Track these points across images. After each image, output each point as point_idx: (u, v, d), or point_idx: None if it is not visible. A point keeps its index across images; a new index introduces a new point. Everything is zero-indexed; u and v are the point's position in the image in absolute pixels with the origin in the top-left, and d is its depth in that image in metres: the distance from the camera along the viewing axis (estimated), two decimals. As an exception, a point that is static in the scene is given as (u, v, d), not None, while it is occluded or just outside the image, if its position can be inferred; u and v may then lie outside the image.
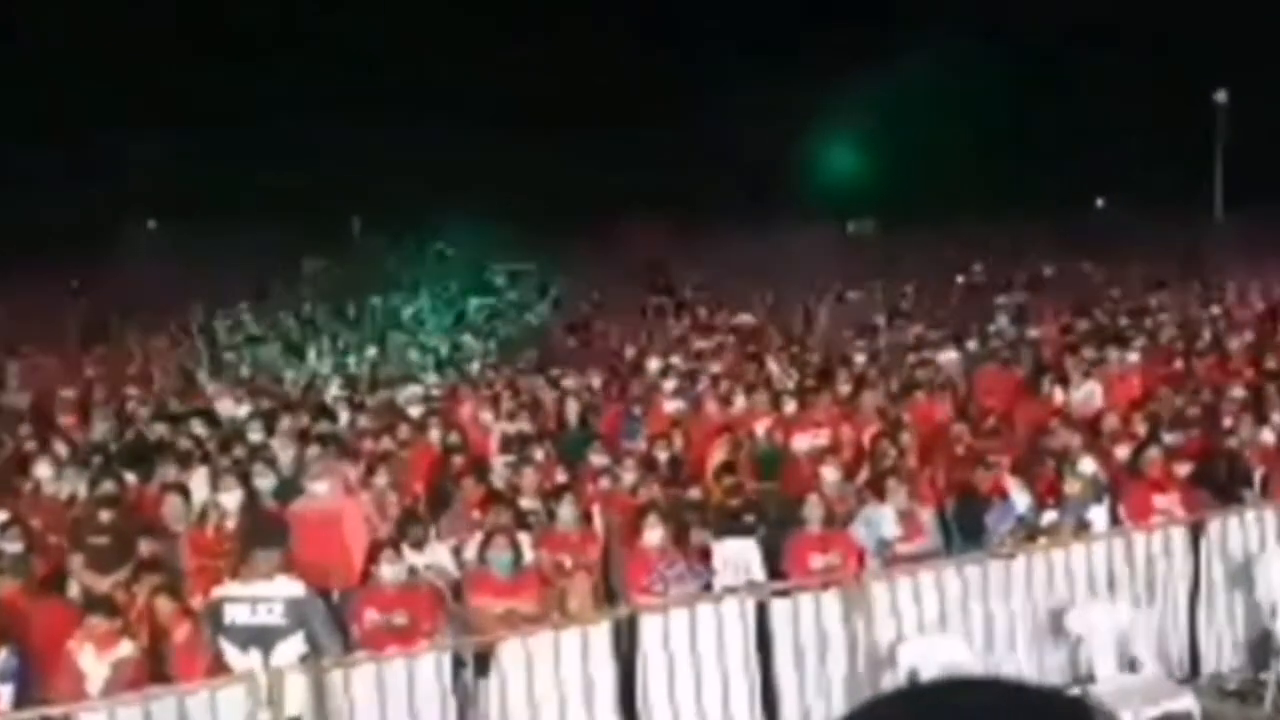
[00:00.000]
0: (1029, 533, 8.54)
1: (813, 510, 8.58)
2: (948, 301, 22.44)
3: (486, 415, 12.85)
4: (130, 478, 10.04)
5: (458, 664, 6.83)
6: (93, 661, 6.90)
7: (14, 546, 8.24)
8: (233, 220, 34.45)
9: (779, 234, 36.41)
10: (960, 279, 25.99)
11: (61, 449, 10.98)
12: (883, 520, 8.88)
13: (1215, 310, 18.24)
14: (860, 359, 15.25)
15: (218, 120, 35.86)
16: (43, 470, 10.10)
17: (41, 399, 15.52)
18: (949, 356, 14.66)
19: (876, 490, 9.23)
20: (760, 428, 11.61)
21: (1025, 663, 7.61)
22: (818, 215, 38.30)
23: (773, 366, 14.79)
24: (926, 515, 9.12)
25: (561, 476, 10.33)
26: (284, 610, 6.37)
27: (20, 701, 6.77)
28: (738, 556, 8.82)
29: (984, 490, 9.13)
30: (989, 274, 26.44)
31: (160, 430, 11.96)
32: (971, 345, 15.82)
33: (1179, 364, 13.58)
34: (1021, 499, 9.02)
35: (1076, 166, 36.20)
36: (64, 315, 26.13)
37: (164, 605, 7.20)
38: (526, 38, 40.42)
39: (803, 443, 11.03)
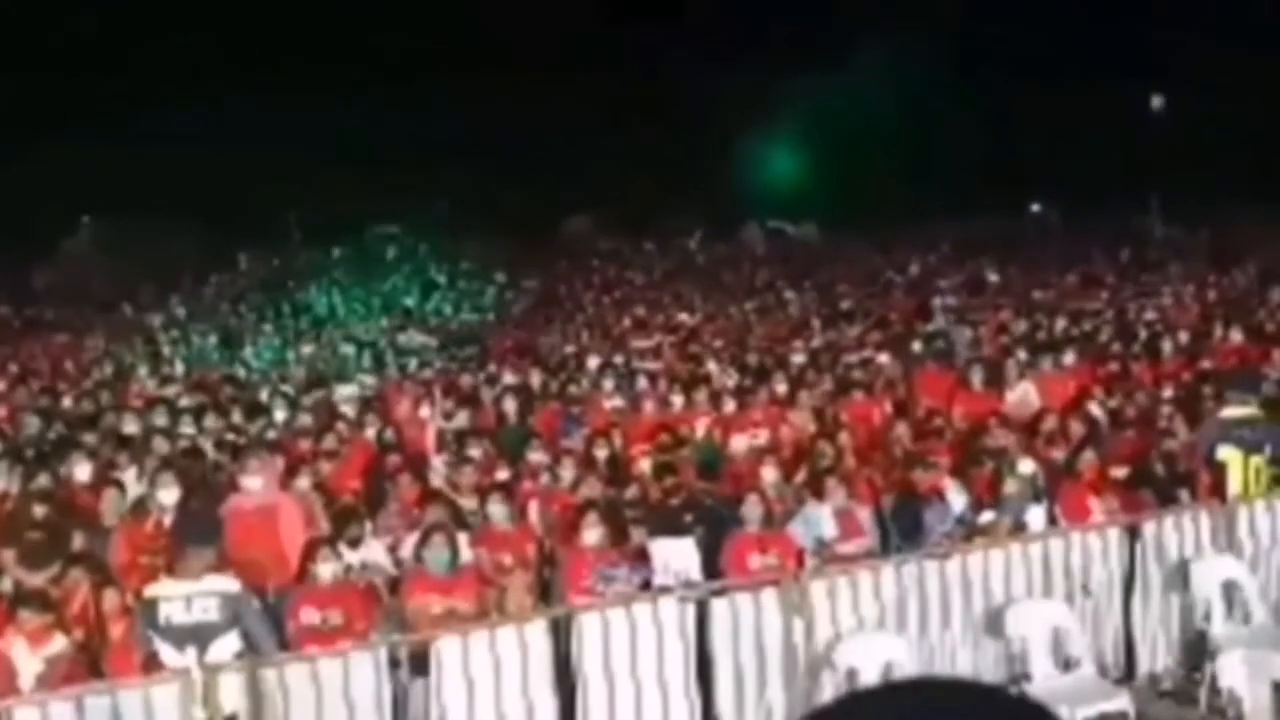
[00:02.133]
0: (967, 533, 8.61)
1: (751, 510, 8.59)
2: (886, 303, 22.62)
3: (424, 412, 12.74)
4: (64, 472, 9.83)
5: (394, 663, 6.75)
6: (25, 657, 6.75)
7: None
8: (168, 215, 33.97)
9: (719, 235, 36.58)
10: (899, 280, 26.23)
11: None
12: (821, 520, 8.90)
13: (1151, 314, 18.53)
14: (798, 359, 15.31)
15: (151, 113, 35.30)
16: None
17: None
18: (887, 357, 14.76)
19: (815, 490, 9.25)
20: (699, 427, 11.62)
21: (962, 661, 7.67)
22: (758, 217, 38.51)
23: (711, 366, 14.81)
24: (865, 515, 9.17)
25: (500, 474, 10.26)
26: (219, 607, 6.27)
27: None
28: (676, 556, 8.79)
29: (922, 490, 9.18)
30: (928, 276, 26.70)
31: (95, 425, 11.72)
32: (910, 346, 15.95)
33: (1115, 366, 13.77)
34: (959, 499, 9.10)
35: (1014, 169, 36.66)
36: (3, 309, 25.63)
37: (109, 598, 7.06)
38: (473, 34, 40.26)
39: (741, 442, 11.05)
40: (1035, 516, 8.69)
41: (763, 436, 11.07)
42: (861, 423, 11.38)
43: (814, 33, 39.75)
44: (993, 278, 25.47)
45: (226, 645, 6.29)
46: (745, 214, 38.48)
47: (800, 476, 9.99)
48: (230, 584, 6.41)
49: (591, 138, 37.98)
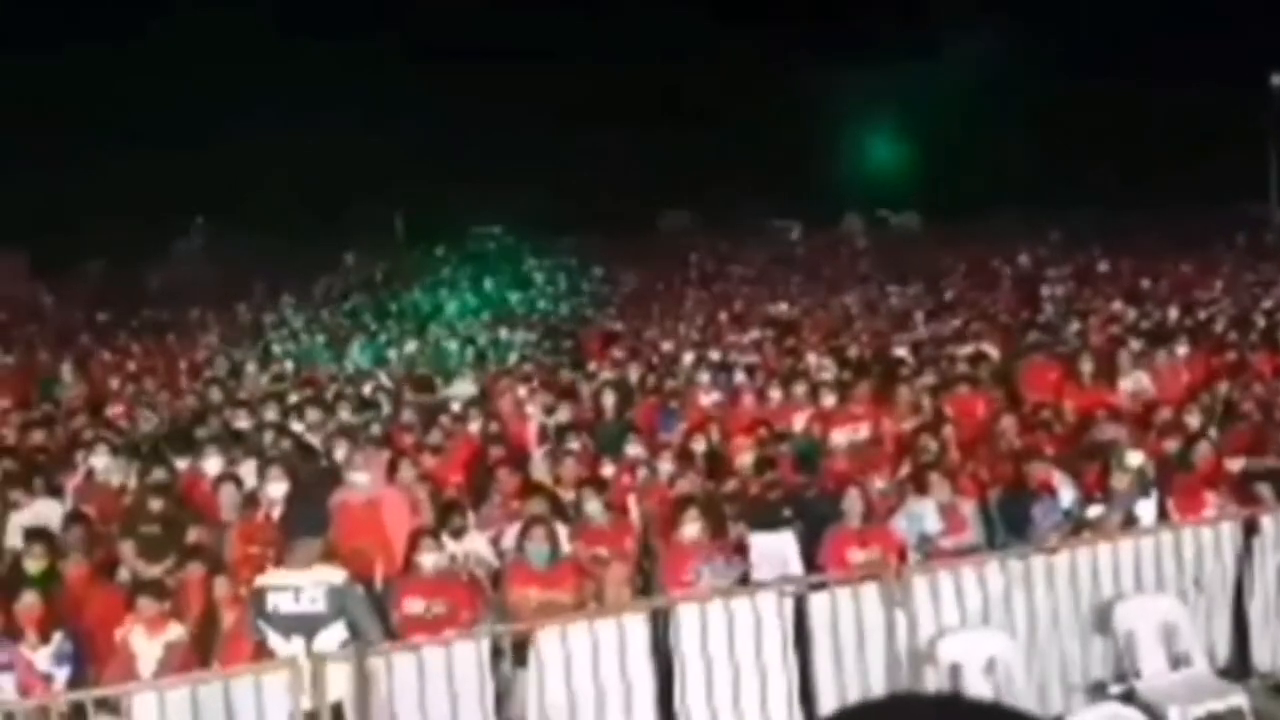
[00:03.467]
0: (1075, 527, 8.43)
1: (852, 504, 8.53)
2: (992, 294, 22.21)
3: (525, 407, 12.86)
4: (180, 467, 10.15)
5: (496, 653, 6.83)
6: (144, 644, 6.99)
7: (68, 534, 8.33)
8: (277, 217, 34.83)
9: (818, 227, 36.29)
10: (1006, 270, 25.72)
11: (113, 440, 11.11)
12: (924, 515, 8.79)
13: (1269, 302, 17.91)
14: (901, 352, 15.11)
15: (259, 118, 36.20)
16: (95, 460, 10.24)
17: (94, 391, 15.73)
18: (993, 349, 14.50)
19: (918, 484, 9.14)
20: (797, 421, 11.54)
21: (1069, 658, 7.51)
22: (859, 208, 38.11)
23: (811, 359, 14.69)
24: (969, 509, 9.01)
25: (599, 468, 10.31)
26: (326, 598, 6.40)
27: (76, 684, 6.86)
28: (775, 550, 8.76)
29: (1029, 484, 9.01)
30: (1035, 266, 26.15)
31: (209, 421, 12.09)
32: (1016, 338, 15.65)
33: (1231, 356, 13.34)
34: (1067, 493, 8.91)
35: (1127, 155, 35.72)
36: (117, 310, 26.50)
37: (222, 588, 7.26)
38: (569, 36, 40.53)
39: (841, 437, 10.94)
40: (1145, 510, 8.48)
41: (864, 431, 10.95)
42: (966, 416, 11.18)
43: (917, 21, 39.24)
44: (1103, 267, 24.86)
45: (333, 635, 6.42)
46: (845, 205, 38.11)
47: (903, 471, 9.88)
48: (337, 574, 6.55)
49: (689, 132, 37.97)
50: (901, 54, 38.39)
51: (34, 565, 7.97)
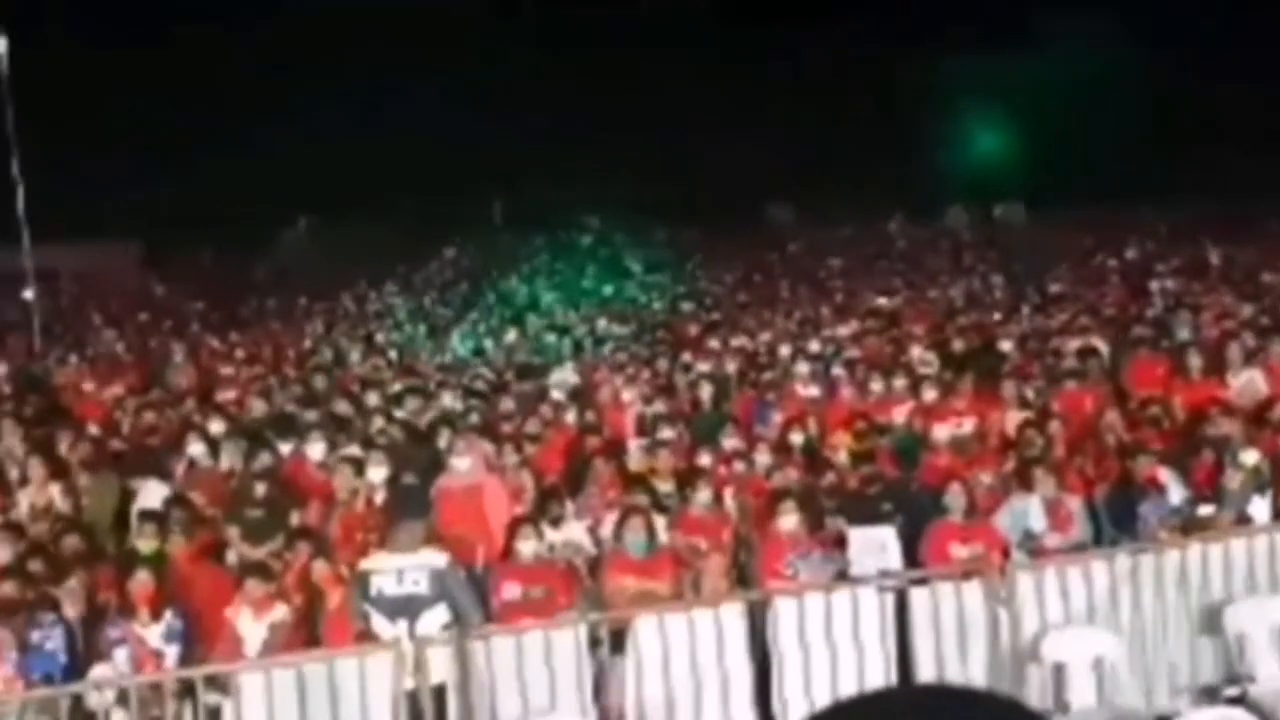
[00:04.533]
0: (1184, 525, 8.21)
1: (954, 499, 8.43)
2: (1099, 287, 21.69)
3: (623, 397, 12.91)
4: (285, 451, 10.38)
5: (593, 641, 6.88)
6: (250, 624, 7.17)
7: (178, 517, 8.58)
8: (380, 208, 35.40)
9: (920, 218, 35.78)
10: (1113, 263, 25.10)
11: (221, 425, 11.41)
12: (1028, 511, 8.66)
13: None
14: (1006, 345, 14.85)
15: (362, 110, 36.83)
16: (203, 445, 10.51)
17: (204, 378, 16.17)
18: (1100, 343, 14.17)
19: (1022, 480, 8.99)
20: (898, 415, 11.41)
21: (1177, 659, 7.32)
22: (962, 199, 37.47)
23: (913, 352, 14.50)
24: (1075, 506, 8.83)
25: (696, 459, 10.32)
26: (429, 581, 6.51)
27: (185, 661, 7.07)
28: (874, 544, 8.67)
29: (1138, 480, 8.79)
30: (1145, 258, 25.48)
31: (314, 408, 12.36)
32: (1124, 331, 15.27)
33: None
34: (1177, 490, 8.68)
35: (1242, 144, 34.57)
36: (225, 299, 27.20)
37: (326, 570, 7.42)
38: (668, 27, 40.51)
39: (943, 431, 10.79)
40: (1259, 509, 8.22)
41: (967, 425, 10.79)
42: (1073, 411, 10.95)
43: (1023, 7, 38.46)
44: (1215, 260, 24.12)
45: (435, 617, 6.51)
46: (948, 196, 37.50)
47: (1007, 466, 9.71)
48: (439, 558, 6.65)
49: (788, 123, 37.70)
50: (1007, 41, 37.66)
51: (145, 545, 8.23)
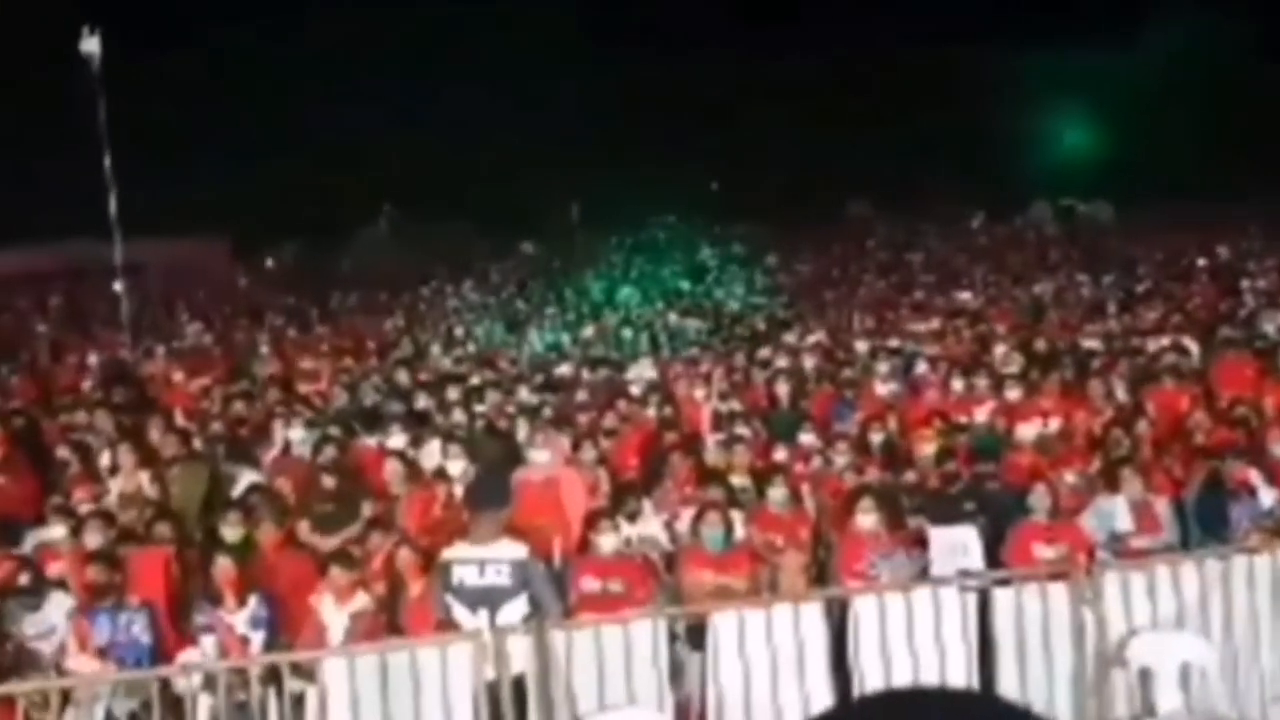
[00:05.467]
0: (1277, 528, 7.99)
1: (1038, 500, 8.33)
2: (1189, 286, 21.19)
3: (699, 392, 12.89)
4: (367, 442, 10.53)
5: (671, 635, 6.87)
6: (333, 613, 7.27)
7: (265, 505, 8.73)
8: (459, 205, 35.75)
9: (1003, 215, 35.27)
10: (1203, 262, 24.51)
11: (307, 415, 11.59)
12: (1115, 512, 8.51)
13: None
14: (1090, 344, 14.59)
15: (447, 111, 37.21)
16: (289, 433, 10.70)
17: (287, 369, 16.44)
18: (1189, 343, 13.86)
19: (1109, 481, 8.83)
20: (980, 413, 11.26)
21: (1268, 665, 7.12)
22: (1046, 195, 36.85)
23: (997, 350, 14.30)
24: (1163, 508, 8.66)
25: (773, 455, 10.28)
26: (510, 572, 6.55)
27: (270, 648, 7.19)
28: (955, 544, 8.57)
29: (1228, 482, 8.58)
30: (1236, 257, 24.84)
31: (393, 399, 12.53)
32: (1213, 331, 14.92)
33: None
34: (1267, 493, 8.46)
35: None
36: (308, 292, 27.62)
37: (405, 557, 7.48)
38: (749, 23, 40.36)
39: (1028, 430, 10.64)
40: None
41: (1052, 424, 10.62)
42: (1161, 411, 10.73)
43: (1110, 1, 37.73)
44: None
45: (516, 608, 6.56)
46: (1033, 192, 36.89)
47: (1093, 467, 9.55)
48: (519, 550, 6.69)
49: (875, 118, 37.37)
50: (1093, 35, 36.97)
51: (231, 533, 8.38)
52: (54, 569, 8.20)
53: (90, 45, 19.98)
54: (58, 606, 7.65)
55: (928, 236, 32.65)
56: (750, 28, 39.93)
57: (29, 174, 31.19)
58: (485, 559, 6.55)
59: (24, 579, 7.86)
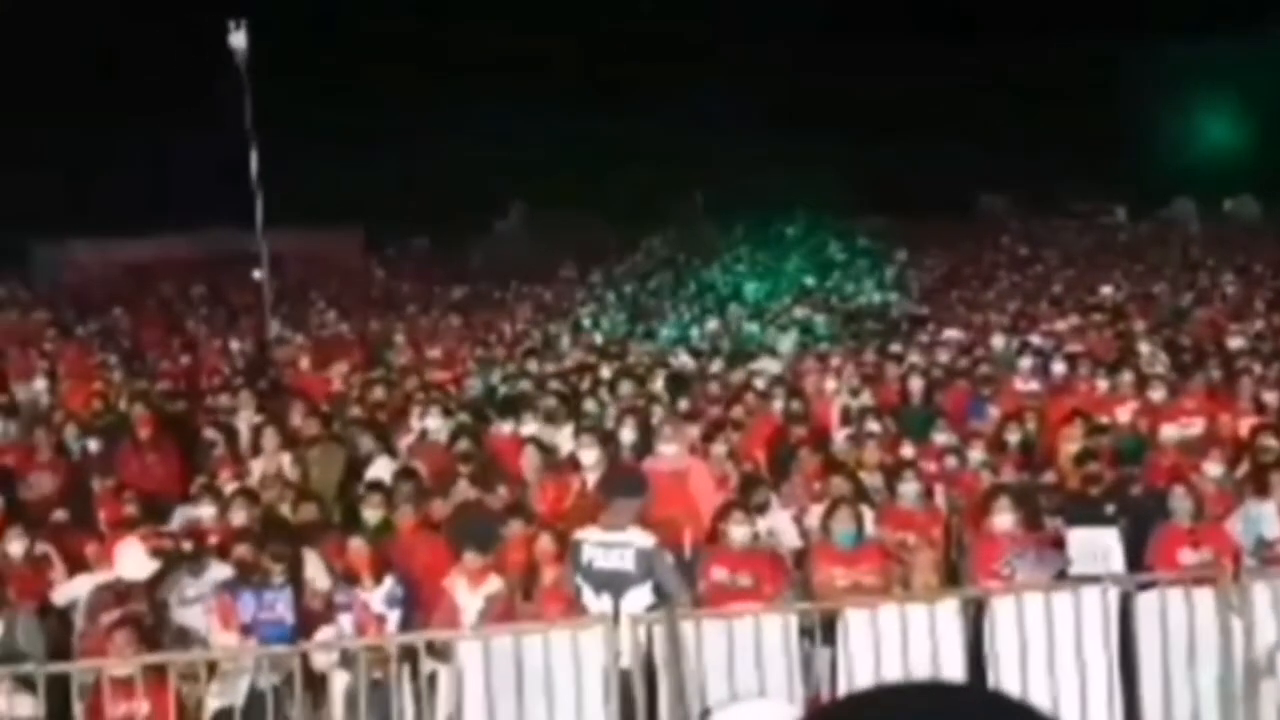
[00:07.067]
0: None
1: (1180, 502, 8.08)
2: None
3: (828, 386, 12.77)
4: (502, 430, 10.70)
5: (801, 630, 6.83)
6: (466, 595, 7.40)
7: (400, 488, 8.92)
8: (587, 198, 36.04)
9: (1143, 211, 34.22)
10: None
11: (443, 403, 11.82)
12: (1263, 517, 8.20)
13: None
14: (1237, 343, 14.06)
15: (576, 105, 37.52)
16: (426, 422, 10.92)
17: (422, 358, 16.77)
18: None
19: (1257, 485, 8.51)
20: (1123, 413, 10.94)
21: None
22: (1190, 191, 35.59)
23: (1140, 348, 13.87)
24: (1316, 514, 8.29)
25: (903, 452, 10.12)
26: (635, 559, 6.61)
27: (405, 628, 7.35)
28: (1095, 546, 8.36)
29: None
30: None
31: (526, 387, 12.71)
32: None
33: None
34: None
35: None
36: (441, 283, 28.15)
37: (545, 543, 7.58)
38: (880, 13, 39.85)
39: (1172, 432, 10.30)
40: None
41: (1196, 426, 10.27)
42: (1314, 414, 10.30)
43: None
44: None
45: (640, 596, 6.61)
46: (1175, 188, 35.66)
47: (1240, 470, 9.20)
48: (646, 538, 6.73)
49: (1009, 112, 36.54)
50: (1239, 26, 35.54)
51: (370, 515, 8.59)
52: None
53: (237, 39, 20.69)
54: (216, 574, 7.95)
55: (1065, 232, 31.85)
56: (884, 21, 39.37)
57: (171, 164, 32.32)
58: (614, 543, 6.63)
59: (187, 547, 8.24)
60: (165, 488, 10.38)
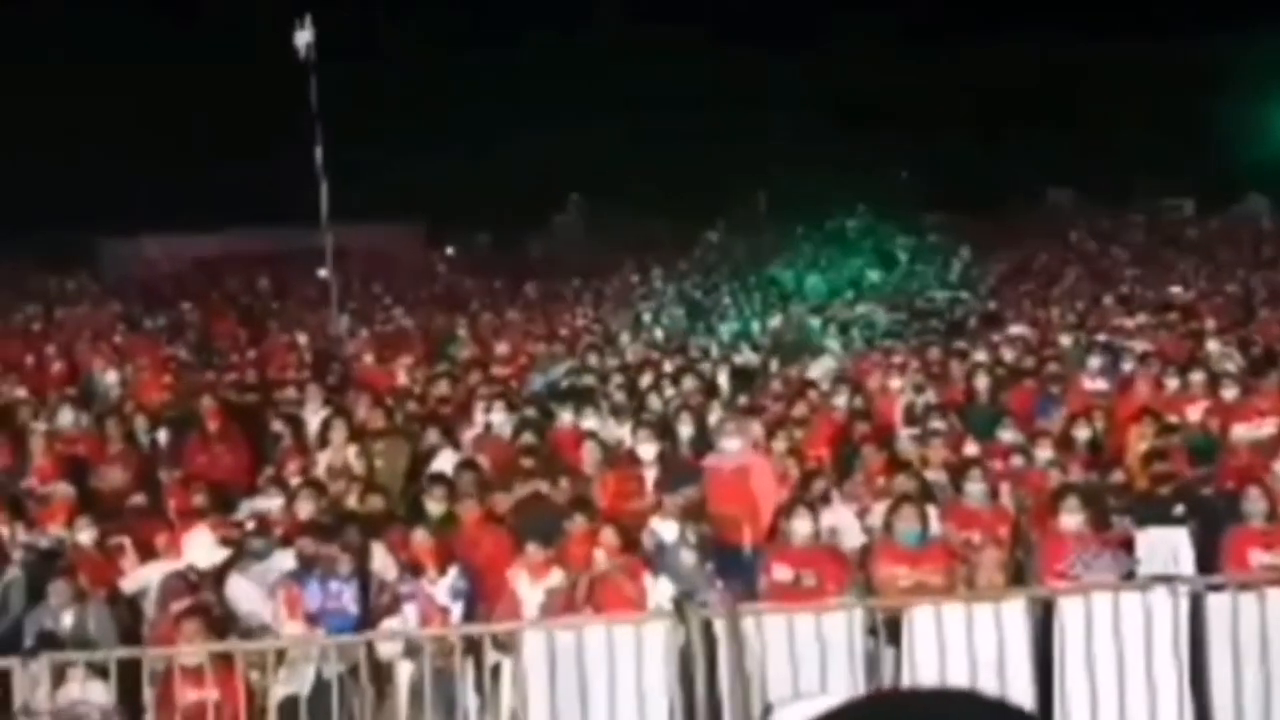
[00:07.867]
0: None
1: (1253, 504, 7.93)
2: None
3: (893, 384, 12.67)
4: (563, 423, 10.74)
5: (867, 628, 6.78)
6: (528, 588, 7.43)
7: (463, 481, 8.99)
8: (648, 194, 36.04)
9: (1214, 207, 33.57)
10: None
11: (506, 397, 11.88)
12: (1340, 520, 7.98)
13: None
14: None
15: (636, 102, 37.56)
16: (490, 416, 10.99)
17: (484, 352, 16.88)
18: None
19: (1333, 487, 8.30)
20: (1193, 412, 10.74)
21: None
22: (1263, 186, 34.84)
23: (1211, 347, 13.60)
24: (1396, 517, 8.08)
25: (969, 450, 10.01)
26: (653, 552, 6.66)
27: (469, 620, 7.41)
28: (1165, 547, 8.23)
29: None
30: None
31: (586, 383, 12.73)
32: None
33: None
34: None
35: None
36: (502, 278, 28.30)
37: (609, 536, 7.60)
38: (945, 10, 39.46)
39: (1243, 431, 10.10)
40: None
41: (1269, 426, 10.06)
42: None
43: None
44: None
45: (662, 589, 6.66)
46: (1247, 183, 34.93)
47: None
48: (670, 530, 6.76)
49: (1077, 106, 36.03)
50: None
51: (434, 507, 8.66)
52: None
53: (303, 37, 20.94)
54: (281, 563, 8.06)
55: (1133, 228, 31.33)
56: (950, 18, 38.97)
57: (234, 161, 32.78)
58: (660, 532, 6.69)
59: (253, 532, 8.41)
60: (233, 479, 10.53)
